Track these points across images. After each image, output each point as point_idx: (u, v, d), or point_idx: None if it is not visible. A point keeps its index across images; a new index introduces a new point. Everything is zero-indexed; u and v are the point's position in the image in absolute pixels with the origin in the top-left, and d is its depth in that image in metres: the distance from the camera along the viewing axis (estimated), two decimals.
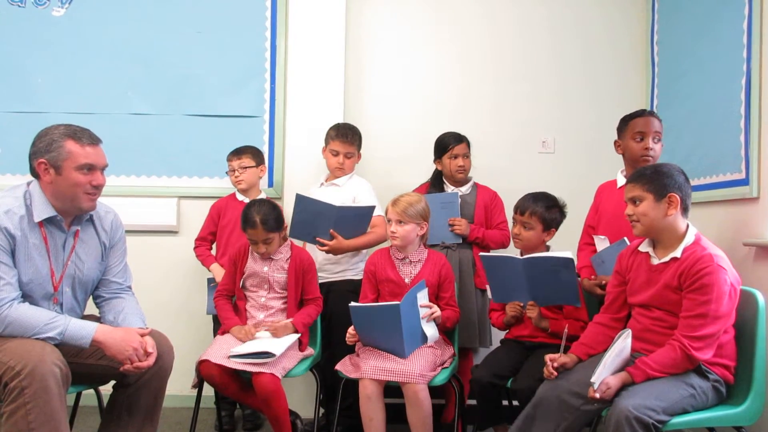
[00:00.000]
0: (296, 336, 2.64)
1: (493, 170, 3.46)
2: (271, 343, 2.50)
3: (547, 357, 2.21)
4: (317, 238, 2.89)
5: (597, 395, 1.97)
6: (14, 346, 1.94)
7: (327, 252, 2.91)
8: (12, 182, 3.14)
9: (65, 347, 2.03)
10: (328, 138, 3.08)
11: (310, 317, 2.70)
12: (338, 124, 3.13)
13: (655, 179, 2.11)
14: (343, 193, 3.04)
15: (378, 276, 2.71)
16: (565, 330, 2.27)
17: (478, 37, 3.57)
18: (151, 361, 2.10)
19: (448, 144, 3.07)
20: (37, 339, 1.98)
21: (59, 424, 1.92)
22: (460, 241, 3.00)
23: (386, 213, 2.71)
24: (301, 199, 2.89)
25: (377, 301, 2.71)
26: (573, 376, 2.14)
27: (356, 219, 2.91)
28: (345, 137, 3.03)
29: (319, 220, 2.87)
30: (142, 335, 2.12)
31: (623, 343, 2.01)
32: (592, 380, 1.97)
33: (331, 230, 2.87)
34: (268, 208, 2.67)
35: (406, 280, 2.67)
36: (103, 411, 2.33)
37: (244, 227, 2.67)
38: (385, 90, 3.56)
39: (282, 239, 2.74)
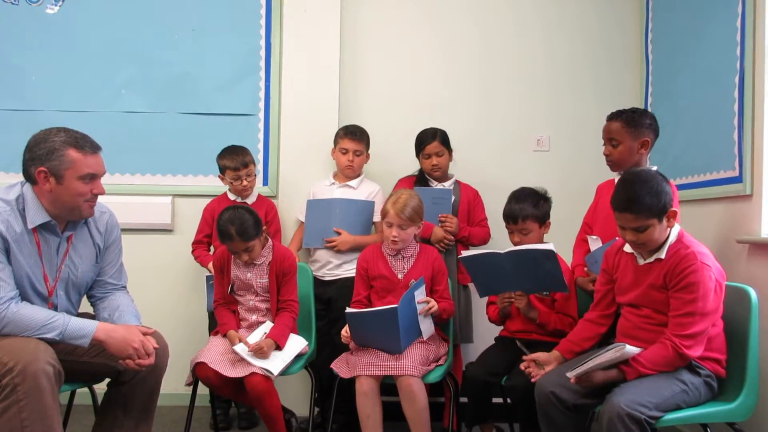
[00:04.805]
0: (301, 346, 2.63)
1: (488, 168, 3.47)
2: (273, 362, 2.48)
3: (522, 366, 2.25)
4: (324, 239, 2.99)
5: (573, 380, 2.01)
6: (8, 343, 1.93)
7: (334, 248, 2.99)
8: (5, 180, 3.16)
9: (60, 345, 2.02)
10: (337, 138, 3.14)
11: (288, 327, 2.61)
12: (347, 124, 3.19)
13: (655, 205, 2.02)
14: (358, 196, 3.11)
15: (370, 272, 2.71)
16: (519, 344, 2.32)
17: (474, 35, 3.57)
18: (152, 359, 2.09)
19: (421, 143, 3.09)
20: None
21: (52, 422, 1.92)
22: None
23: (384, 215, 2.66)
24: (310, 204, 3.04)
25: (370, 297, 2.72)
26: (564, 373, 2.14)
27: (357, 214, 3.00)
28: (354, 135, 3.10)
29: (326, 220, 3.00)
30: (145, 334, 2.10)
31: (614, 356, 1.99)
32: (568, 374, 2.01)
33: (335, 228, 2.98)
34: (242, 216, 2.53)
35: (399, 276, 2.68)
36: (97, 409, 2.32)
37: (222, 241, 2.58)
38: (381, 88, 3.55)
39: (263, 240, 2.66)
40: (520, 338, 2.56)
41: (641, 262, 2.15)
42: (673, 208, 2.07)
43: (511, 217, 2.62)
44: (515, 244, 2.61)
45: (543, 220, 2.63)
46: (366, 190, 3.14)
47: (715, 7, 2.82)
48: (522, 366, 2.26)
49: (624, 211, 2.06)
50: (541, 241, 2.60)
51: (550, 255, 2.38)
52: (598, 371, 2.01)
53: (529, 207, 2.59)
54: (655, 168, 2.44)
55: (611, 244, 2.35)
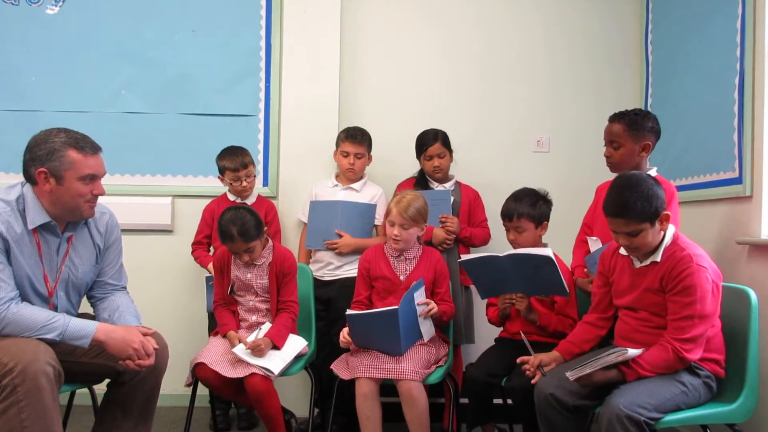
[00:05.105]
0: (301, 346, 2.63)
1: (488, 169, 3.47)
2: (273, 361, 2.48)
3: (519, 360, 2.24)
4: (326, 241, 3.00)
5: (572, 378, 2.01)
6: (8, 343, 1.93)
7: (335, 250, 2.99)
8: (5, 180, 3.16)
9: (61, 345, 2.03)
10: (339, 141, 3.14)
11: (286, 328, 2.61)
12: (348, 127, 3.18)
13: (646, 209, 2.00)
14: (361, 198, 3.11)
15: (372, 273, 2.71)
16: (524, 337, 2.28)
17: (474, 36, 3.57)
18: (152, 360, 2.09)
19: (422, 144, 3.09)
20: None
21: (52, 422, 1.92)
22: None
23: (388, 215, 2.68)
24: (313, 206, 3.04)
25: (371, 298, 2.72)
26: (563, 374, 2.14)
27: (359, 217, 3.01)
28: (354, 138, 3.09)
29: (328, 222, 3.00)
30: (145, 334, 2.11)
31: (615, 360, 1.99)
32: (567, 374, 2.00)
33: (337, 230, 2.99)
34: (244, 216, 2.54)
35: (401, 278, 2.68)
36: (97, 410, 2.33)
37: (223, 241, 2.58)
38: (381, 89, 3.55)
39: (264, 241, 2.66)
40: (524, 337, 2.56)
41: (637, 265, 2.15)
42: (666, 212, 2.05)
43: (506, 214, 2.63)
44: (511, 242, 2.63)
45: (539, 220, 2.62)
46: (369, 193, 3.15)
47: (714, 7, 2.82)
48: (519, 360, 2.25)
49: (615, 216, 2.05)
50: (537, 242, 2.61)
51: (549, 261, 2.36)
52: (597, 371, 2.01)
53: (525, 206, 2.59)
54: (654, 169, 2.44)
55: (607, 246, 2.35)
